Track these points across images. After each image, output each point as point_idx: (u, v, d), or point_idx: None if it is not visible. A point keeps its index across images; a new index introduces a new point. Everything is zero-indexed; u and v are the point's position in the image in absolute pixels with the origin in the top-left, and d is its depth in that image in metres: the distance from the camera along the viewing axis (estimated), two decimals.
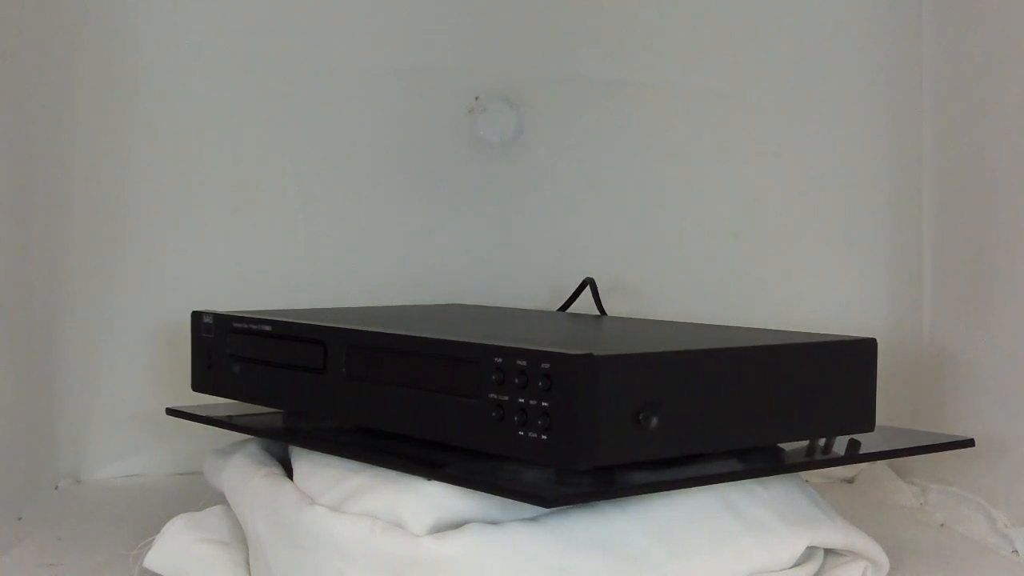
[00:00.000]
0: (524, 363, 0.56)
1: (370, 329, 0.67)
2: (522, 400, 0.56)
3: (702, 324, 0.76)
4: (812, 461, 0.66)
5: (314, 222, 0.97)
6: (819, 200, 0.99)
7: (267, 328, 0.73)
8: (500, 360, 0.57)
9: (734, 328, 0.73)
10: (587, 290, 0.89)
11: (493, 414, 0.58)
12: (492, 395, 0.58)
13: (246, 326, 0.75)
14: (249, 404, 0.75)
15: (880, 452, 0.68)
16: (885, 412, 0.96)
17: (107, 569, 0.72)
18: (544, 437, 0.55)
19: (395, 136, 0.98)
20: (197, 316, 0.79)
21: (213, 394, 0.77)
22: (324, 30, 0.97)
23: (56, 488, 0.92)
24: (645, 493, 0.60)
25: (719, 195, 1.00)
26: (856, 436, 0.68)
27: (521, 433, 0.56)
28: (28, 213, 0.88)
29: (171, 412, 0.79)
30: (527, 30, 0.99)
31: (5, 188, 0.84)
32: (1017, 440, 0.78)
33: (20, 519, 0.83)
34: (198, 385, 0.78)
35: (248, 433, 0.74)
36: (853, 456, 0.68)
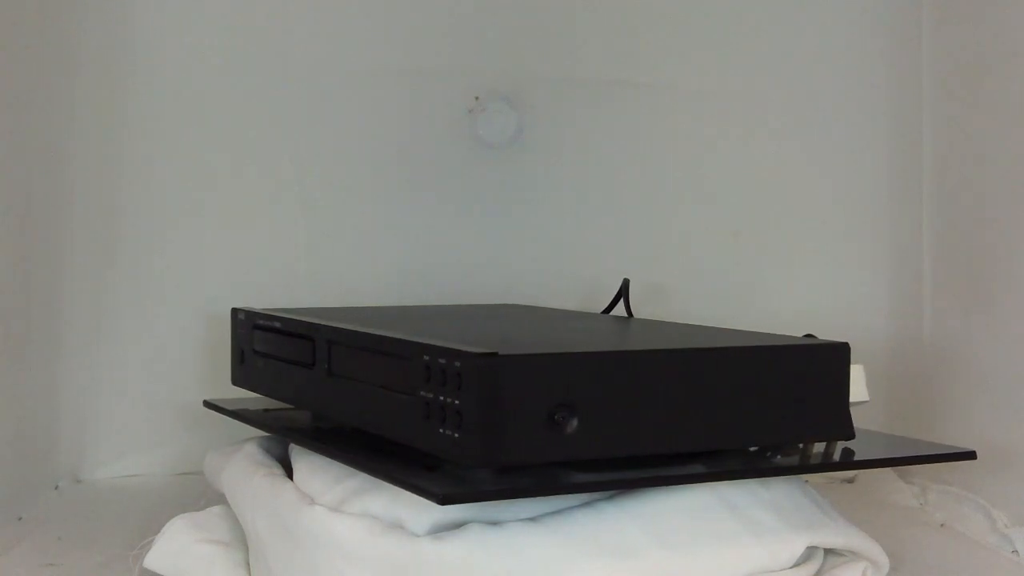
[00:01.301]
0: (443, 361, 0.56)
1: (340, 325, 0.68)
2: (442, 398, 0.56)
3: (699, 326, 0.75)
4: (783, 467, 0.64)
5: (314, 222, 0.97)
6: (819, 200, 0.99)
7: (277, 324, 0.74)
8: (427, 358, 0.58)
9: (720, 330, 0.71)
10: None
11: (422, 411, 0.58)
12: (422, 392, 0.58)
13: (264, 323, 0.76)
14: (276, 400, 0.77)
15: (875, 460, 0.67)
16: (885, 412, 0.97)
17: (107, 569, 0.72)
18: (456, 435, 0.55)
19: (395, 136, 0.98)
20: (234, 312, 0.81)
21: (246, 388, 0.79)
22: (324, 30, 0.97)
23: (56, 488, 0.92)
24: (549, 495, 0.59)
25: (719, 195, 1.00)
26: (851, 444, 0.66)
27: (441, 430, 0.57)
28: (28, 213, 0.88)
29: (208, 405, 0.81)
30: (527, 30, 0.99)
31: (5, 188, 0.84)
32: (1017, 441, 0.78)
33: (20, 519, 0.83)
34: (235, 380, 0.80)
35: (265, 431, 0.74)
36: (834, 464, 0.66)
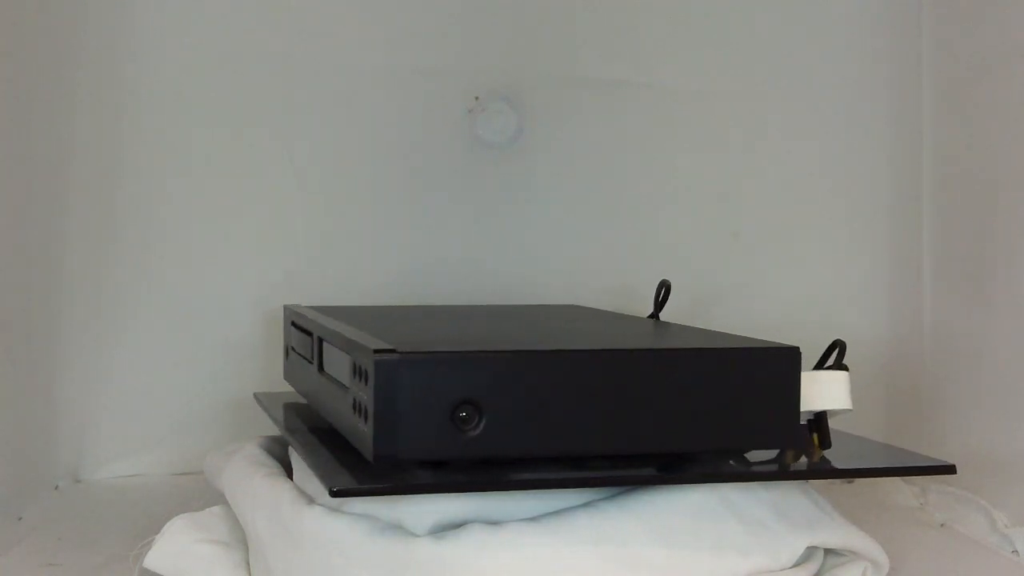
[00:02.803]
0: (360, 357, 0.58)
1: (325, 322, 0.69)
2: (360, 393, 0.58)
3: (700, 330, 0.74)
4: (735, 473, 0.62)
5: (314, 221, 0.97)
6: (819, 201, 0.99)
7: (295, 320, 0.77)
8: (352, 354, 0.59)
9: (698, 333, 0.70)
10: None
11: (352, 406, 0.59)
12: (352, 388, 0.60)
13: (294, 319, 0.78)
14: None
15: (837, 470, 0.64)
16: (885, 412, 0.97)
17: (107, 569, 0.71)
18: (366, 429, 0.56)
19: (395, 136, 0.98)
20: (286, 309, 0.83)
21: (289, 384, 0.81)
22: (323, 30, 0.97)
23: (56, 488, 0.92)
24: (442, 492, 0.59)
25: (719, 195, 1.00)
26: (828, 452, 0.65)
27: (359, 425, 0.58)
28: (27, 213, 0.88)
29: (257, 397, 0.83)
30: (527, 30, 0.99)
31: (4, 188, 0.84)
32: (1017, 441, 0.78)
33: (20, 519, 0.83)
34: (285, 375, 0.82)
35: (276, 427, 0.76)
36: (789, 472, 0.64)
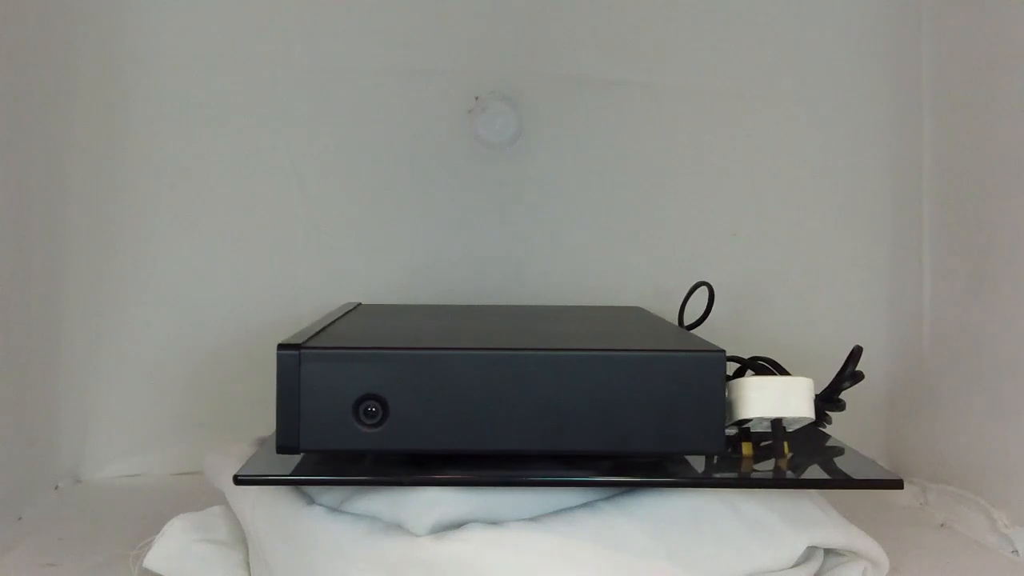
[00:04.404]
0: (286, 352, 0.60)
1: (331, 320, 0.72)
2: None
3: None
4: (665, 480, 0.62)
5: (313, 221, 0.97)
6: (819, 200, 0.99)
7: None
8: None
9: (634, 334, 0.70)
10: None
11: None
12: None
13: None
14: None
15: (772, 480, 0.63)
16: (885, 412, 0.97)
17: (107, 569, 0.71)
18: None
19: (395, 136, 0.98)
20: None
21: None
22: (323, 30, 0.97)
23: (56, 488, 0.92)
24: (338, 484, 0.61)
25: (719, 195, 1.00)
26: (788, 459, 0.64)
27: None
28: (27, 214, 0.88)
29: None
30: (527, 30, 0.99)
31: (4, 189, 0.84)
32: (1017, 440, 0.78)
33: (20, 519, 0.83)
34: None
35: None
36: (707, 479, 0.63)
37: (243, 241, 0.96)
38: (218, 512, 0.70)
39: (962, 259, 0.88)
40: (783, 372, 0.70)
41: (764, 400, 0.63)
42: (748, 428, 0.65)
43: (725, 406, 0.60)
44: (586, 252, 0.99)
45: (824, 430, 0.73)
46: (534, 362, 0.59)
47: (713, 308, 0.82)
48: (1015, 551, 0.75)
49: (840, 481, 0.64)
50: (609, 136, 0.99)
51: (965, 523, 0.81)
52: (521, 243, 0.99)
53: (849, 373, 0.71)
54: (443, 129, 0.98)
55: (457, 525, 0.59)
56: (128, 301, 0.95)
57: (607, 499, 0.62)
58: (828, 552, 0.67)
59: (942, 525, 0.82)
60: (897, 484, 0.62)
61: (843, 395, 0.72)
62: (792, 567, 0.64)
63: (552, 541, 0.58)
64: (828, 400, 0.71)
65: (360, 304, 0.89)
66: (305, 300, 0.95)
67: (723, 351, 0.60)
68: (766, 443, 0.66)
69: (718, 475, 0.63)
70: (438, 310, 0.84)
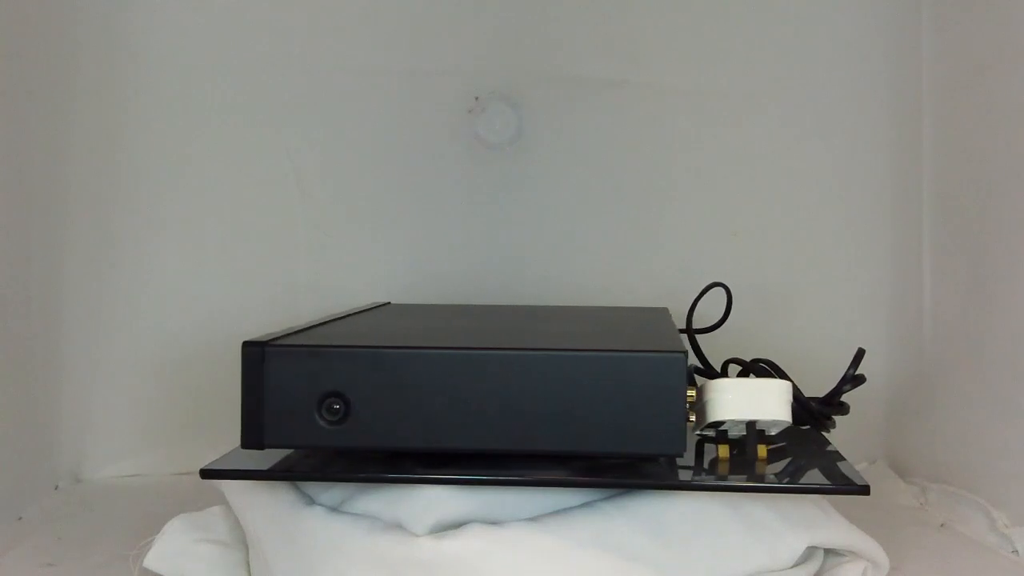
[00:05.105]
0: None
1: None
2: None
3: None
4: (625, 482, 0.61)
5: (313, 222, 0.97)
6: (818, 200, 0.99)
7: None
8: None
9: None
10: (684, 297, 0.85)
11: None
12: None
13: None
14: None
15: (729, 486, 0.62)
16: (886, 412, 0.97)
17: (107, 569, 0.72)
18: None
19: (395, 136, 0.98)
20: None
21: None
22: (323, 30, 0.97)
23: (56, 488, 0.92)
24: (300, 480, 0.62)
25: (719, 195, 1.00)
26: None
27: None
28: (27, 214, 0.88)
29: None
30: (527, 30, 0.99)
31: (5, 189, 0.84)
32: (1017, 441, 0.78)
33: (20, 519, 0.83)
34: None
35: None
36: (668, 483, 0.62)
37: (243, 241, 0.96)
38: (218, 512, 0.70)
39: (962, 259, 0.88)
40: (782, 374, 0.70)
41: (737, 402, 0.62)
42: (726, 431, 0.65)
43: (685, 408, 0.58)
44: (586, 252, 0.99)
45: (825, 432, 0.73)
46: (492, 361, 0.59)
47: (709, 307, 0.82)
48: (1015, 551, 0.75)
49: (799, 487, 0.62)
50: (609, 136, 0.99)
51: (965, 523, 0.81)
52: (521, 243, 0.99)
53: (850, 376, 0.71)
54: (443, 129, 0.98)
55: (457, 525, 0.59)
56: (128, 301, 0.95)
57: (607, 499, 0.62)
58: (828, 552, 0.67)
59: (942, 525, 0.82)
60: (863, 490, 0.61)
61: (844, 396, 0.72)
62: (792, 567, 0.64)
63: (552, 541, 0.58)
64: (828, 404, 0.71)
65: (388, 303, 0.89)
66: (305, 300, 0.95)
67: (684, 352, 0.59)
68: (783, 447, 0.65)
69: (675, 480, 0.62)
70: (463, 310, 0.84)
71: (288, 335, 0.63)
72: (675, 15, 0.99)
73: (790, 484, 0.61)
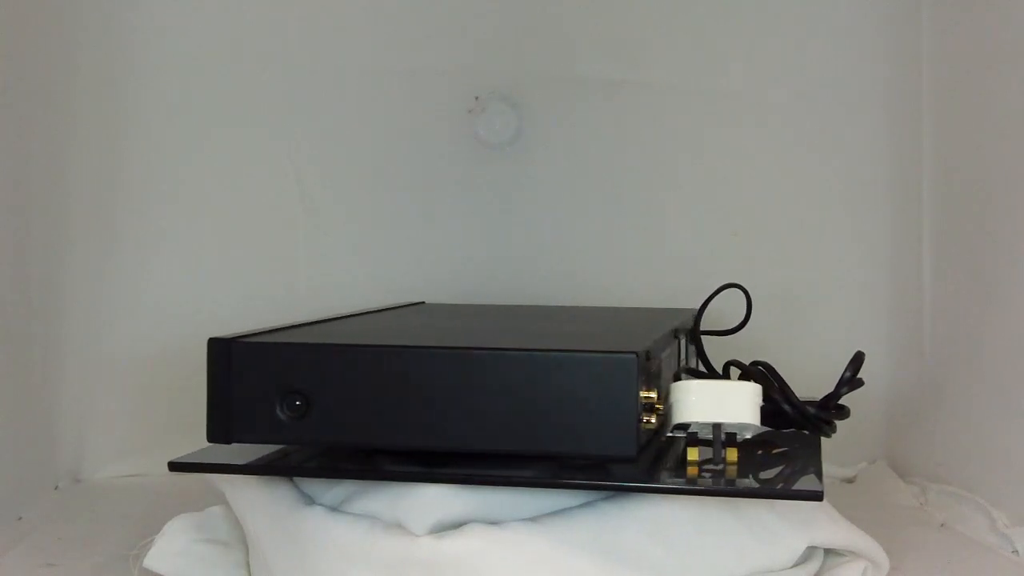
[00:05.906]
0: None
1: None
2: None
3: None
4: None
5: (313, 222, 0.97)
6: (819, 200, 0.99)
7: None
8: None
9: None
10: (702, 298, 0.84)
11: None
12: None
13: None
14: None
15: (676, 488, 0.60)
16: (886, 412, 0.97)
17: (107, 569, 0.71)
18: None
19: (395, 136, 0.98)
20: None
21: None
22: (324, 30, 0.97)
23: (56, 488, 0.92)
24: (272, 475, 0.63)
25: (719, 195, 1.00)
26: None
27: None
28: (27, 213, 0.88)
29: None
30: (527, 30, 0.99)
31: (5, 189, 0.84)
32: (1017, 440, 0.78)
33: (20, 519, 0.83)
34: None
35: None
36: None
37: (243, 242, 0.96)
38: (218, 512, 0.70)
39: (962, 259, 0.88)
40: (777, 377, 0.69)
41: (701, 404, 0.60)
42: (696, 433, 0.63)
43: (637, 410, 0.57)
44: (585, 252, 0.99)
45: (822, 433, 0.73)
46: (444, 359, 0.59)
47: (711, 308, 0.82)
48: (1015, 551, 0.75)
49: (739, 491, 0.60)
50: (609, 136, 0.99)
51: (965, 523, 0.81)
52: (521, 243, 0.99)
53: (847, 379, 0.70)
54: (443, 129, 0.98)
55: (457, 525, 0.59)
56: (128, 301, 0.95)
57: (607, 499, 0.62)
58: (828, 552, 0.67)
59: (942, 525, 0.82)
60: (816, 496, 0.59)
61: (843, 398, 0.71)
62: (792, 567, 0.64)
63: (551, 541, 0.58)
64: (826, 407, 0.71)
65: (423, 303, 0.90)
66: (305, 301, 0.95)
67: (635, 353, 0.57)
68: (770, 451, 0.65)
69: (628, 482, 0.60)
70: (493, 310, 0.84)
71: (261, 333, 0.64)
72: (675, 15, 0.99)
73: (728, 488, 0.60)
